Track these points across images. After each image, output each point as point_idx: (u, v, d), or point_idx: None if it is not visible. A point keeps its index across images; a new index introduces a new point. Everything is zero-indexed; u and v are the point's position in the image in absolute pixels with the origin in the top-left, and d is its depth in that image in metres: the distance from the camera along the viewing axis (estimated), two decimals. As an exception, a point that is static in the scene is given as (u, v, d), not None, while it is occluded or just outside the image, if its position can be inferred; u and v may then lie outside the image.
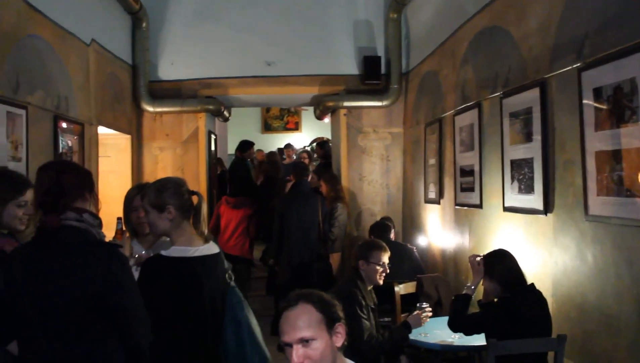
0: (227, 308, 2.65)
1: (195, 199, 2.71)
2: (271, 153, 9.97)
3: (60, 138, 4.51)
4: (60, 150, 4.51)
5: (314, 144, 11.22)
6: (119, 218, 3.08)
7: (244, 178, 7.62)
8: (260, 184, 8.45)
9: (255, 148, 9.80)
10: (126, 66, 6.49)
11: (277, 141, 13.27)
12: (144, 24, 6.61)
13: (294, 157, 10.44)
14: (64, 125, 4.61)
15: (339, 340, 2.02)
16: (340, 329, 2.03)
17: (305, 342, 1.95)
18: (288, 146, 11.15)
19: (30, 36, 4.10)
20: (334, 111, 7.44)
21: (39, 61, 4.24)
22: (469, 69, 4.74)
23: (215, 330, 2.61)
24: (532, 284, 3.25)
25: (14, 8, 3.90)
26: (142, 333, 2.25)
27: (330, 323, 2.00)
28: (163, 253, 2.58)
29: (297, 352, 1.93)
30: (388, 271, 3.90)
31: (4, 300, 2.17)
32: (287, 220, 5.94)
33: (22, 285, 2.12)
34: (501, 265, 3.29)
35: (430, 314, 3.83)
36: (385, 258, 3.88)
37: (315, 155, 9.87)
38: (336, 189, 6.43)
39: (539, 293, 3.22)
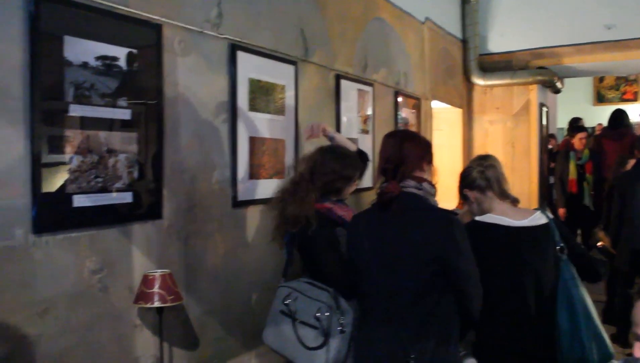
0: (560, 285, 2.49)
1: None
2: None
3: (399, 112, 4.85)
4: (399, 123, 4.85)
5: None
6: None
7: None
8: None
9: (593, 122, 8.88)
10: (457, 41, 6.61)
11: (612, 114, 12.02)
12: (473, -2, 6.65)
13: None
14: (402, 100, 4.93)
15: None
16: None
17: None
18: None
19: (375, 19, 4.47)
20: (689, 76, 6.47)
21: (382, 41, 4.60)
22: None
23: (542, 307, 2.49)
24: None
25: (362, -5, 4.31)
26: (476, 300, 2.25)
27: None
28: (477, 218, 2.59)
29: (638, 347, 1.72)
30: None
31: (352, 259, 2.36)
32: (630, 200, 5.38)
33: (367, 246, 2.27)
34: None
35: None
36: None
37: None
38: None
39: None
